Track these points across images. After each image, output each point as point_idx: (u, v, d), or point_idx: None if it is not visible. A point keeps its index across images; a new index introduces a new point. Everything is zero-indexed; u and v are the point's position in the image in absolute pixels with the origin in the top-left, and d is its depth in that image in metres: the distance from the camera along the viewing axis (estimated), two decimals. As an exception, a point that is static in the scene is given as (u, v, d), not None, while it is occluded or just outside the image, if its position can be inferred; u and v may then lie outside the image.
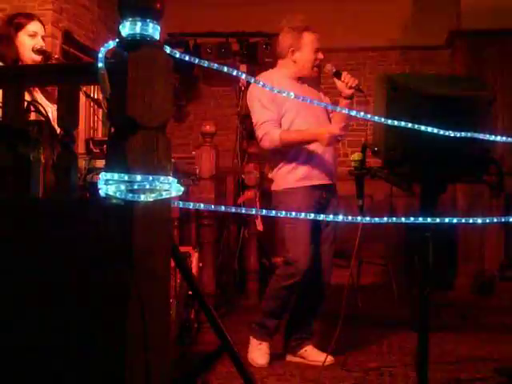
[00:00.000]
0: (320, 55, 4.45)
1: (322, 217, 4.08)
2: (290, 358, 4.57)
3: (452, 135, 2.72)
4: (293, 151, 4.37)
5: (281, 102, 4.33)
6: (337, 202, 4.50)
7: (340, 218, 2.80)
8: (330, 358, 4.29)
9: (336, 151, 4.61)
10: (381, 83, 3.08)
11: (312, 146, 4.35)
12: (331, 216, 4.06)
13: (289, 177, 4.39)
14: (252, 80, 3.40)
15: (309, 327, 4.58)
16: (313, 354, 4.48)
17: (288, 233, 4.37)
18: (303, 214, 3.55)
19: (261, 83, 3.59)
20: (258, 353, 4.41)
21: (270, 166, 4.57)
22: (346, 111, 3.97)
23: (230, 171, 7.54)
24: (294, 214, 3.55)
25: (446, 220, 2.83)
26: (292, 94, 2.98)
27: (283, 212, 3.74)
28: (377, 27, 9.04)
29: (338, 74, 4.33)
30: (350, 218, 2.76)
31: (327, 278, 4.52)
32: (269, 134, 4.32)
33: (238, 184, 7.23)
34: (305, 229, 4.31)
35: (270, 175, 4.59)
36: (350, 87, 4.26)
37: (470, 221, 3.03)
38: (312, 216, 3.62)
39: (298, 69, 4.47)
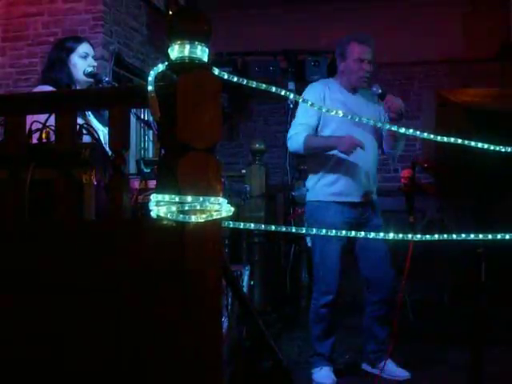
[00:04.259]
0: (366, 66, 4.39)
1: (362, 234, 4.06)
2: (367, 368, 4.57)
3: (503, 150, 2.69)
4: (331, 164, 4.36)
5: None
6: (377, 219, 4.46)
7: (391, 235, 2.78)
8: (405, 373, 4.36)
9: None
10: (430, 99, 3.06)
11: (351, 162, 4.32)
12: (381, 234, 4.02)
13: (326, 190, 4.39)
14: (300, 99, 3.40)
15: (383, 338, 4.51)
16: (392, 369, 4.42)
17: (319, 249, 4.37)
18: (333, 232, 3.52)
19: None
20: (320, 373, 4.40)
21: (309, 173, 4.58)
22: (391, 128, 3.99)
23: (280, 188, 7.54)
24: (323, 231, 3.53)
25: (499, 236, 2.80)
26: (340, 112, 2.98)
27: (314, 229, 3.77)
28: (426, 41, 8.99)
29: (382, 97, 4.31)
30: (400, 235, 2.75)
31: (387, 284, 4.47)
32: (297, 135, 4.36)
33: (289, 201, 7.22)
34: (336, 246, 4.30)
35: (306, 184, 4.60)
36: (393, 112, 4.24)
37: (524, 236, 2.98)
38: (353, 234, 3.55)
39: (347, 78, 4.46)
